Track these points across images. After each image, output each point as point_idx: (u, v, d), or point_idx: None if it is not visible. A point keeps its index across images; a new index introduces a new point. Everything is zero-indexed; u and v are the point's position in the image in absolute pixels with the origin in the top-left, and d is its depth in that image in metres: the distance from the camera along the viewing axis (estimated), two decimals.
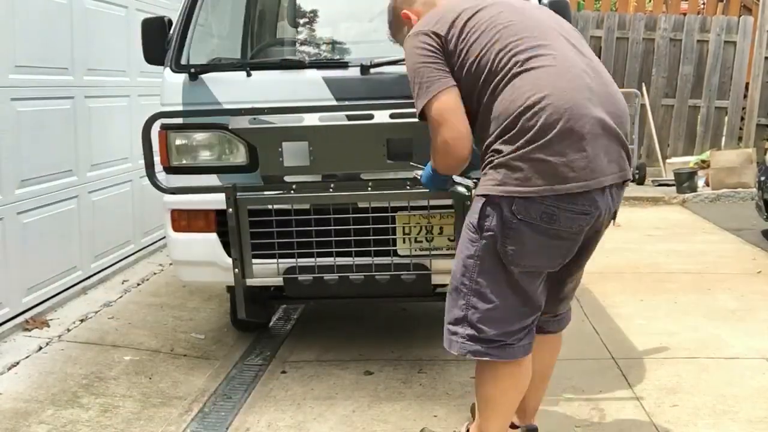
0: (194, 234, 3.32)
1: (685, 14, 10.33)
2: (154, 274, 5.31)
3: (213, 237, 3.30)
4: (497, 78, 2.23)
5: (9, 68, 3.98)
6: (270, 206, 3.18)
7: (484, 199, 2.29)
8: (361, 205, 3.17)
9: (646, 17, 10.12)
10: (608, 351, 3.79)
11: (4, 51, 3.94)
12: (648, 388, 3.34)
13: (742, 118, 10.04)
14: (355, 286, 3.23)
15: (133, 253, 5.50)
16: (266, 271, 3.26)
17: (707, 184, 8.85)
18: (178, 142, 3.26)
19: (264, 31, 4.27)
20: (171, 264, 3.76)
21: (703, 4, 11.53)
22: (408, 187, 3.13)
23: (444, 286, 3.53)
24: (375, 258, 3.20)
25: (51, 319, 4.24)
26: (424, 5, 2.53)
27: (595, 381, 3.42)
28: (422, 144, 3.08)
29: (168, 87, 3.27)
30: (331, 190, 3.14)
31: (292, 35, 4.06)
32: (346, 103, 3.14)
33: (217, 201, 3.15)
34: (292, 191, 3.16)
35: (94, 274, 4.94)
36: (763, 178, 6.20)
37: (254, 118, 3.11)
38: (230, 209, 3.08)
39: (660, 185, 9.20)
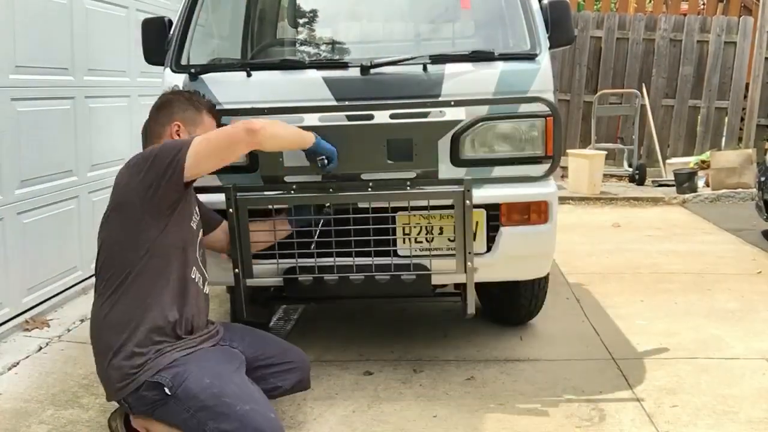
0: None
1: (685, 15, 10.34)
2: None
3: None
4: None
5: (9, 68, 3.98)
6: (270, 206, 3.18)
7: None
8: (361, 205, 3.17)
9: (646, 18, 10.13)
10: (608, 351, 3.79)
11: (4, 51, 3.94)
12: (648, 389, 3.34)
13: (742, 119, 10.04)
14: (355, 286, 3.23)
15: None
16: (266, 272, 3.26)
17: (707, 184, 8.86)
18: None
19: (264, 32, 4.26)
20: None
21: (703, 4, 11.54)
22: (408, 188, 3.13)
23: (444, 286, 3.55)
24: (375, 258, 3.20)
25: (51, 319, 4.24)
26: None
27: (595, 381, 3.42)
28: (423, 145, 3.11)
29: (168, 87, 3.27)
30: (331, 190, 3.15)
31: (293, 35, 4.06)
32: (347, 103, 3.14)
33: (217, 201, 3.15)
34: (292, 192, 3.16)
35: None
36: (763, 179, 6.20)
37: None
38: (230, 209, 3.09)
39: (660, 185, 9.21)
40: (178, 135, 2.77)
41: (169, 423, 2.56)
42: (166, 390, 2.50)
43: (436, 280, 3.28)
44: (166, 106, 2.85)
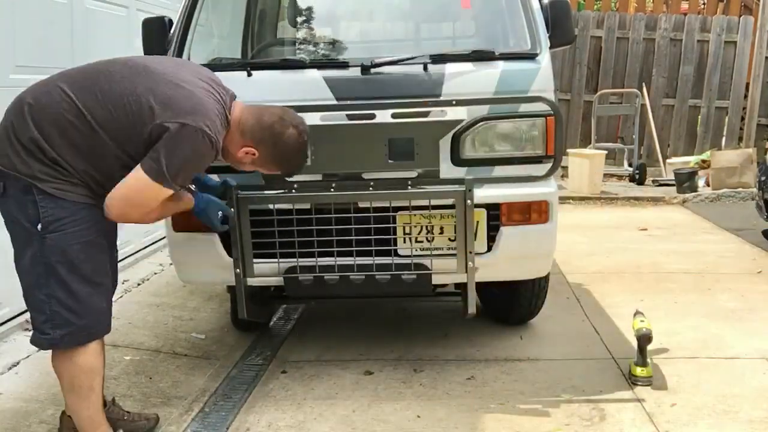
0: (195, 233, 3.32)
1: (685, 14, 10.33)
2: (155, 273, 5.30)
3: (213, 236, 3.29)
4: None
5: (9, 68, 3.97)
6: (271, 206, 3.18)
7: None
8: (362, 204, 3.17)
9: (646, 17, 10.13)
10: (608, 351, 3.79)
11: (4, 51, 3.94)
12: (648, 388, 3.34)
13: (743, 118, 10.04)
14: (355, 285, 3.23)
15: (133, 253, 5.50)
16: (267, 271, 3.26)
17: (707, 184, 8.85)
18: None
19: (264, 31, 4.27)
20: (171, 264, 3.76)
21: (704, 4, 11.54)
22: (409, 187, 3.13)
23: (445, 285, 3.55)
24: (376, 258, 3.20)
25: None
26: None
27: (595, 381, 3.42)
28: (424, 144, 3.11)
29: None
30: (332, 189, 3.15)
31: (293, 35, 4.06)
32: (347, 102, 3.14)
33: None
34: (293, 191, 3.16)
35: None
36: (763, 178, 6.20)
37: None
38: (231, 209, 3.09)
39: (660, 185, 9.20)
40: (245, 154, 2.69)
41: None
42: (39, 225, 2.44)
43: (436, 279, 3.28)
44: (272, 134, 2.68)
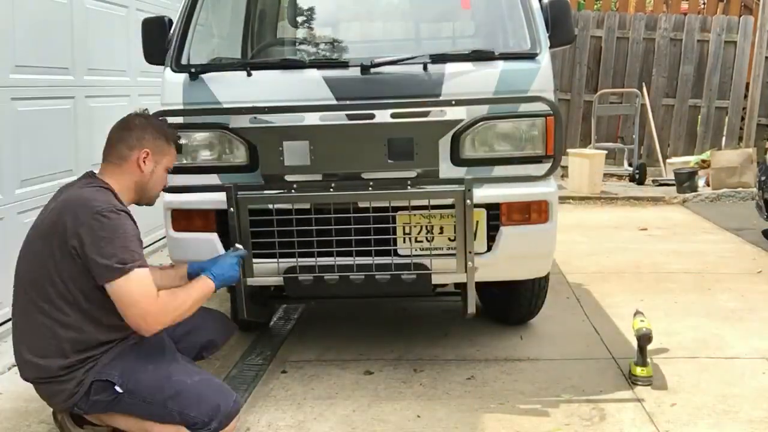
0: (195, 233, 3.32)
1: (685, 14, 10.34)
2: None
3: (213, 237, 3.30)
4: None
5: (9, 68, 3.98)
6: (270, 206, 3.18)
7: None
8: (361, 204, 3.17)
9: (646, 17, 10.13)
10: (608, 351, 3.79)
11: (4, 51, 3.94)
12: (648, 388, 3.34)
13: (743, 118, 10.04)
14: (355, 285, 3.23)
15: None
16: (267, 271, 3.26)
17: (707, 184, 8.86)
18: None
19: (264, 31, 4.27)
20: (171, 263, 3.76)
21: (704, 3, 11.54)
22: (409, 187, 3.13)
23: (445, 285, 3.55)
24: (375, 258, 3.20)
25: None
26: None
27: (595, 381, 3.42)
28: (423, 144, 3.11)
29: (168, 87, 3.27)
30: (331, 189, 3.15)
31: (293, 35, 4.07)
32: (347, 102, 3.14)
33: (217, 200, 3.15)
34: (292, 191, 3.16)
35: None
36: (763, 178, 6.20)
37: (255, 118, 3.11)
38: (231, 209, 3.09)
39: (660, 185, 9.21)
40: (144, 162, 2.69)
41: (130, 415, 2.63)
42: (117, 388, 2.54)
43: (436, 279, 3.28)
44: (137, 130, 2.72)
